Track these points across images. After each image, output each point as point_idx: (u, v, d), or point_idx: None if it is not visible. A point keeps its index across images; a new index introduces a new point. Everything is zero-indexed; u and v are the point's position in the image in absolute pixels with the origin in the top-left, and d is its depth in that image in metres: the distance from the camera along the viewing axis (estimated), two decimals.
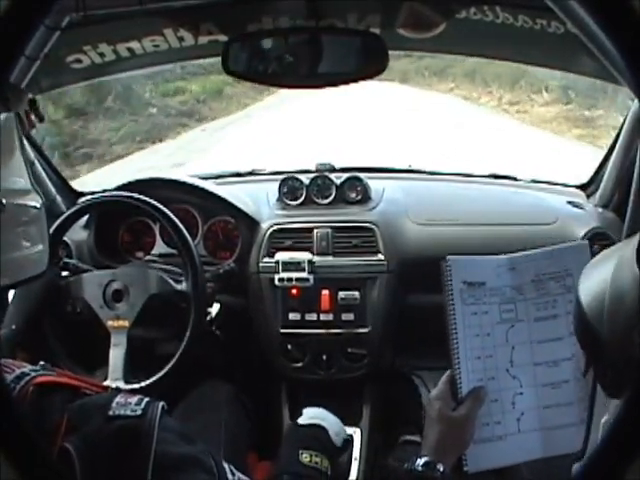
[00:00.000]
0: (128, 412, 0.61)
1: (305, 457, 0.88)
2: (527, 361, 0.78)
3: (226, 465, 0.67)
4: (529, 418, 0.78)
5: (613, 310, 0.46)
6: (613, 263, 0.49)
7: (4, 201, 0.59)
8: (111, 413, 0.60)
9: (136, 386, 1.15)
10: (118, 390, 0.70)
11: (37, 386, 0.60)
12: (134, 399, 0.63)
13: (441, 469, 0.76)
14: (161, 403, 0.65)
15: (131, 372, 1.18)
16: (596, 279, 0.51)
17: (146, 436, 0.60)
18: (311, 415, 0.99)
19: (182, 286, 1.23)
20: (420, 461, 0.77)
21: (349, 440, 1.00)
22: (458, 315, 0.80)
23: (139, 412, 0.61)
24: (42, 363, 0.68)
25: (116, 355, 1.17)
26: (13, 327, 1.12)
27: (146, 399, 0.64)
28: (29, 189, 0.65)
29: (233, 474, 0.67)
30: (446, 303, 0.81)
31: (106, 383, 1.13)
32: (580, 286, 0.51)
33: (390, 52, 1.07)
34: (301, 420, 0.98)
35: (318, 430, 0.95)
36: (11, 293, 1.04)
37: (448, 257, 0.83)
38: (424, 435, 0.80)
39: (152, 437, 0.60)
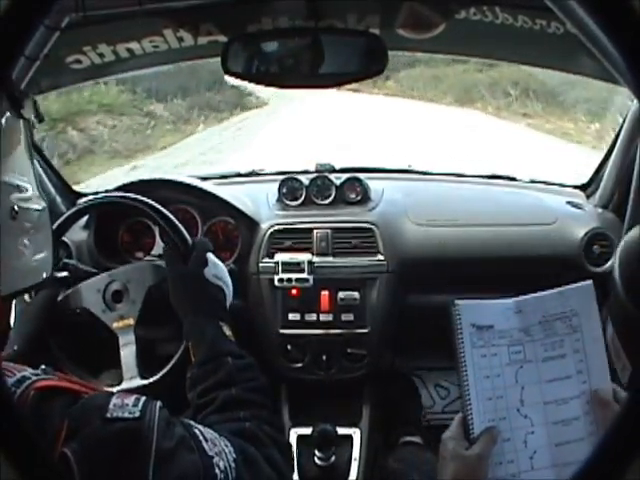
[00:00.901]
0: (126, 414, 0.61)
1: (226, 330, 0.91)
2: (537, 400, 0.80)
3: (197, 431, 0.68)
4: (542, 456, 0.80)
5: None
6: None
7: (17, 207, 0.59)
8: (109, 415, 0.60)
9: (150, 380, 1.14)
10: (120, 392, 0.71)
11: (38, 391, 0.60)
12: (131, 400, 0.63)
13: None
14: (158, 402, 0.65)
15: (145, 368, 1.18)
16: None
17: (146, 438, 0.60)
18: (216, 272, 0.99)
19: None
20: None
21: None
22: (468, 358, 0.82)
23: (137, 414, 0.61)
24: (43, 367, 0.68)
25: (127, 354, 1.16)
26: (15, 348, 1.11)
27: (143, 399, 0.64)
28: (34, 195, 0.65)
29: (206, 440, 0.67)
30: (456, 346, 0.82)
31: (123, 385, 1.12)
32: (618, 271, 0.54)
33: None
34: (208, 275, 0.98)
35: (222, 295, 0.98)
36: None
37: (456, 302, 0.83)
38: (438, 474, 0.81)
39: (152, 439, 0.60)
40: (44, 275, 0.68)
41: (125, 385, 1.12)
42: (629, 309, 0.60)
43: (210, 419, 0.77)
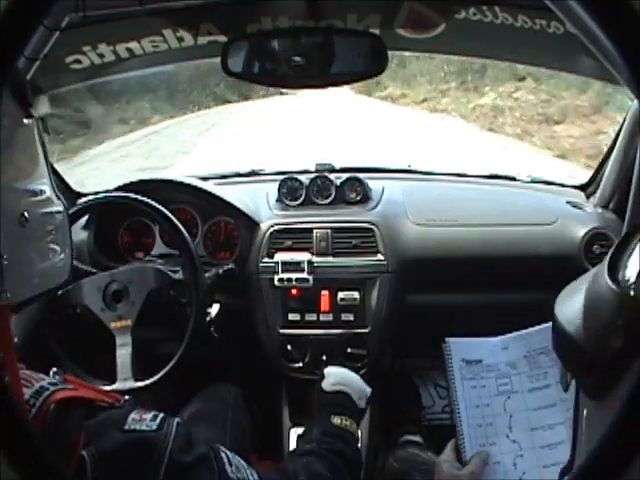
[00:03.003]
0: (143, 427, 0.62)
1: (336, 420, 0.93)
2: (524, 427, 0.87)
3: (223, 454, 0.69)
4: (531, 477, 0.85)
5: (589, 317, 0.48)
6: (588, 280, 0.51)
7: (27, 214, 0.58)
8: (126, 427, 0.61)
9: (144, 383, 1.14)
10: (130, 400, 0.71)
11: (57, 403, 0.60)
12: (149, 415, 0.64)
13: None
14: (176, 419, 0.66)
15: (140, 370, 1.18)
16: (572, 297, 0.53)
17: (160, 449, 0.61)
18: (333, 382, 1.03)
19: (179, 275, 1.23)
20: None
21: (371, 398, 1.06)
22: (459, 389, 0.90)
23: (154, 427, 0.62)
24: (54, 370, 0.69)
25: (123, 355, 1.16)
26: (15, 341, 1.12)
27: (161, 415, 0.65)
28: (52, 196, 0.65)
29: (231, 464, 0.68)
30: (448, 379, 0.91)
31: (116, 385, 1.12)
32: (557, 307, 0.55)
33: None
34: (325, 386, 1.03)
35: (343, 397, 1.00)
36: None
37: (447, 339, 0.93)
38: None
39: (166, 450, 0.61)
40: (66, 275, 0.68)
41: (118, 386, 1.12)
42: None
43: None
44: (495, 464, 0.85)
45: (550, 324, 0.85)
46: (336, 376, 1.06)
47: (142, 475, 0.59)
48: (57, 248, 0.64)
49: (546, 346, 0.88)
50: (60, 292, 1.22)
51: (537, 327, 0.89)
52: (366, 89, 13.35)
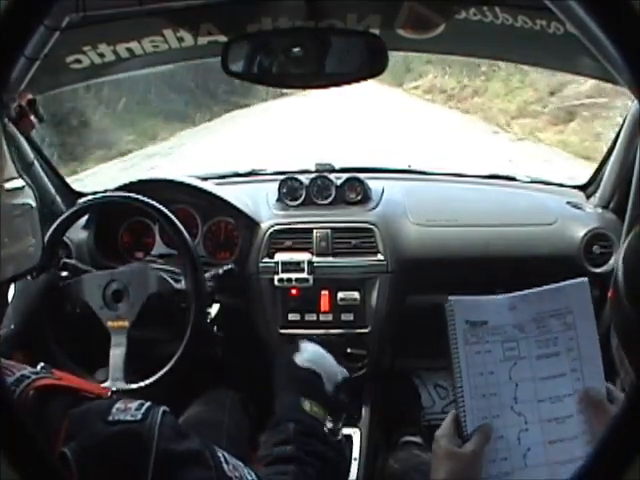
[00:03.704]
0: (128, 417, 0.61)
1: (306, 405, 0.89)
2: (531, 398, 0.80)
3: (220, 453, 0.67)
4: (535, 453, 0.79)
5: None
6: None
7: None
8: (111, 418, 0.60)
9: (135, 386, 1.15)
10: (118, 395, 0.70)
11: (37, 390, 0.59)
12: (134, 404, 0.63)
13: None
14: (162, 407, 0.64)
15: (132, 372, 1.18)
16: None
17: (146, 438, 0.59)
18: (308, 358, 0.99)
19: (181, 285, 1.23)
20: None
21: (341, 387, 0.99)
22: (462, 355, 0.81)
23: (139, 417, 0.61)
24: (42, 365, 0.68)
25: (116, 355, 1.16)
26: (12, 327, 1.12)
27: (146, 404, 0.64)
28: (22, 185, 0.65)
29: (227, 463, 0.67)
30: (450, 344, 0.82)
31: (107, 384, 1.12)
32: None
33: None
34: (299, 360, 0.98)
35: (315, 377, 0.96)
36: (10, 292, 1.04)
37: (450, 298, 0.83)
38: (432, 473, 0.80)
39: (152, 439, 0.60)
40: (31, 264, 0.67)
41: (108, 385, 1.12)
42: (632, 317, 0.60)
43: (260, 471, 0.77)
44: (498, 438, 0.79)
45: (563, 284, 0.83)
46: (312, 353, 1.01)
47: (130, 467, 0.58)
48: (27, 233, 0.65)
49: (557, 309, 0.80)
50: (61, 284, 1.22)
51: (550, 286, 0.81)
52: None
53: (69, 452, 0.56)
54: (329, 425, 0.90)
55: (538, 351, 0.80)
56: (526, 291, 0.83)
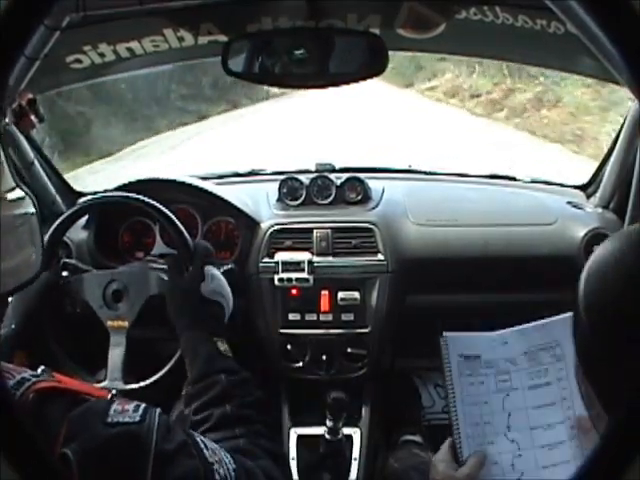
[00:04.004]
0: (127, 419, 0.62)
1: (221, 346, 0.90)
2: (523, 426, 0.85)
3: (199, 439, 0.69)
4: (529, 478, 0.83)
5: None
6: None
7: None
8: (109, 420, 0.61)
9: (135, 386, 1.15)
10: (115, 396, 0.71)
11: (37, 392, 0.60)
12: (131, 406, 0.64)
13: None
14: (158, 410, 0.65)
15: (130, 373, 1.18)
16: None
17: (145, 439, 0.60)
18: (215, 288, 0.97)
19: None
20: None
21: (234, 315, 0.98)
22: (456, 386, 0.87)
23: (137, 418, 0.62)
24: (42, 368, 0.68)
25: (115, 355, 1.16)
26: (12, 326, 1.12)
27: (143, 405, 0.65)
28: (22, 195, 0.65)
29: (207, 448, 0.68)
30: (445, 375, 0.88)
31: (105, 383, 1.13)
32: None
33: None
34: (205, 291, 0.96)
35: (220, 310, 0.95)
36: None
37: (445, 333, 0.90)
38: None
39: (151, 440, 0.61)
40: (32, 273, 0.67)
41: (106, 385, 1.12)
42: (595, 345, 0.56)
43: (206, 437, 0.77)
44: (493, 464, 0.83)
45: (551, 320, 0.86)
46: (217, 282, 0.98)
47: (129, 468, 0.59)
48: (28, 243, 0.65)
49: (547, 342, 0.86)
50: (61, 284, 1.22)
51: (538, 322, 0.87)
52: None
53: (70, 453, 0.57)
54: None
55: (530, 382, 0.86)
56: (516, 327, 0.89)
